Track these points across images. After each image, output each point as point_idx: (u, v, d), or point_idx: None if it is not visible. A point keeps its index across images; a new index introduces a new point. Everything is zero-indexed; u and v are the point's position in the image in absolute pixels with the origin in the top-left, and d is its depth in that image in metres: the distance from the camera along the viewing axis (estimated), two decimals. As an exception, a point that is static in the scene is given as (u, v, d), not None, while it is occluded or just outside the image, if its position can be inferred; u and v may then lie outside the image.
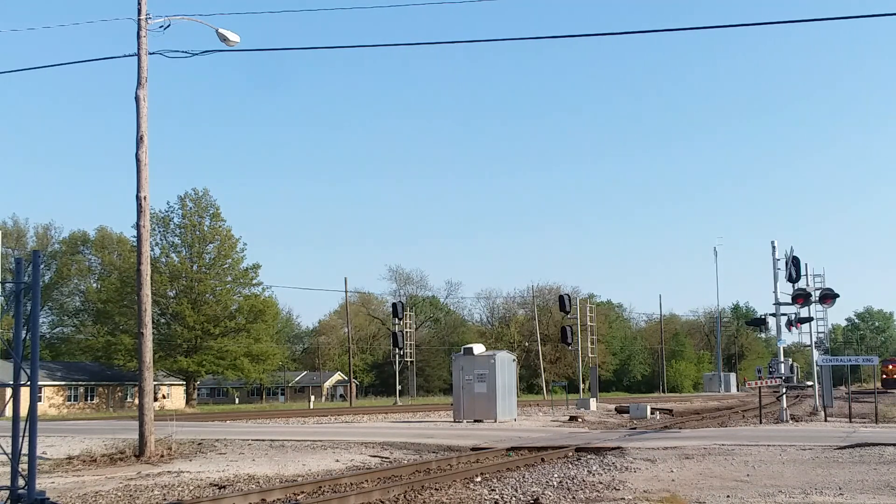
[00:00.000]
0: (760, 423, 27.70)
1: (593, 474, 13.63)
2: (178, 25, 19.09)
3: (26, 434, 9.92)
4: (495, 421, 29.17)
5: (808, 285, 29.99)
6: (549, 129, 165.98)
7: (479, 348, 31.61)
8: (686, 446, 17.63)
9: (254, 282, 76.32)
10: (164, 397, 75.38)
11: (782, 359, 28.56)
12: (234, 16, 53.64)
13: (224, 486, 13.10)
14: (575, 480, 12.91)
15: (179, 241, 74.05)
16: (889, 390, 58.09)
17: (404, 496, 11.63)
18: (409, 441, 20.22)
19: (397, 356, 62.86)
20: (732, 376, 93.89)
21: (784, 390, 29.33)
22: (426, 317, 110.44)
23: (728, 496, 11.05)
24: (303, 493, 12.12)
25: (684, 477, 13.18)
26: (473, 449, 18.20)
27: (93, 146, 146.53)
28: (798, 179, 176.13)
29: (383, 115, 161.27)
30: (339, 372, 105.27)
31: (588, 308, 56.16)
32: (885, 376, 65.47)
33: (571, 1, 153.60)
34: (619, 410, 39.96)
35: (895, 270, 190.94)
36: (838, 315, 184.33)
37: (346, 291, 78.50)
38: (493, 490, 12.09)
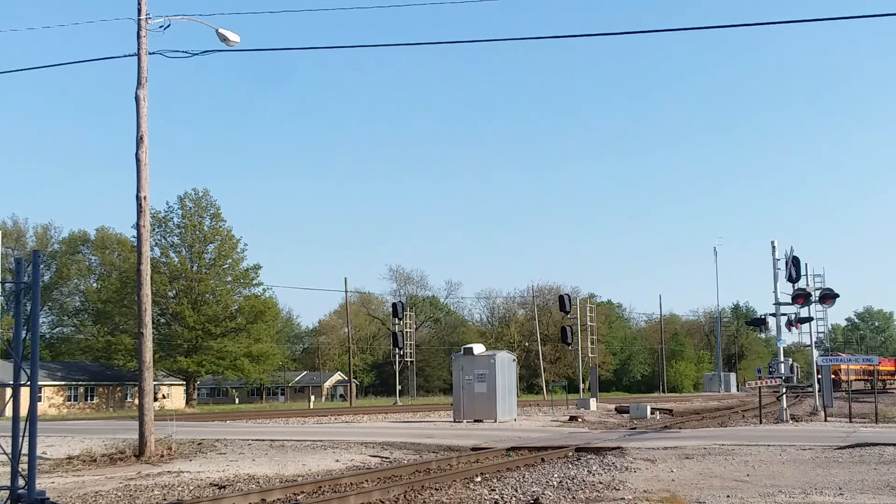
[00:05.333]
0: (760, 423, 27.69)
1: (593, 474, 13.62)
2: (178, 25, 19.11)
3: (26, 434, 9.91)
4: (495, 421, 29.15)
5: (808, 285, 29.96)
6: (549, 128, 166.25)
7: (479, 348, 31.58)
8: (686, 446, 17.62)
9: (254, 282, 76.42)
10: (164, 397, 75.37)
11: (782, 359, 28.55)
12: (234, 16, 53.70)
13: (224, 486, 13.10)
14: (575, 480, 12.91)
15: (179, 241, 74.11)
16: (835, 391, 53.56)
17: (404, 496, 11.62)
18: (409, 441, 20.21)
19: (397, 356, 62.85)
20: (732, 376, 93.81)
21: (784, 390, 29.33)
22: (426, 317, 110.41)
23: (728, 496, 11.05)
24: (303, 493, 12.11)
25: (684, 477, 13.17)
26: (473, 449, 18.19)
27: (93, 146, 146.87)
28: (798, 179, 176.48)
29: (383, 115, 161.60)
30: (339, 372, 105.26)
31: (588, 308, 56.16)
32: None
33: (571, 1, 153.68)
34: (619, 410, 39.94)
35: (895, 270, 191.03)
36: (838, 315, 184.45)
37: (346, 291, 78.60)
38: (493, 490, 12.08)
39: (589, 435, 22.68)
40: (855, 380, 58.04)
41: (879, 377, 63.72)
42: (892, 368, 73.55)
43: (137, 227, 19.06)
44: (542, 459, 16.04)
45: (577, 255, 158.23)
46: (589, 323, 54.27)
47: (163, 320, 72.90)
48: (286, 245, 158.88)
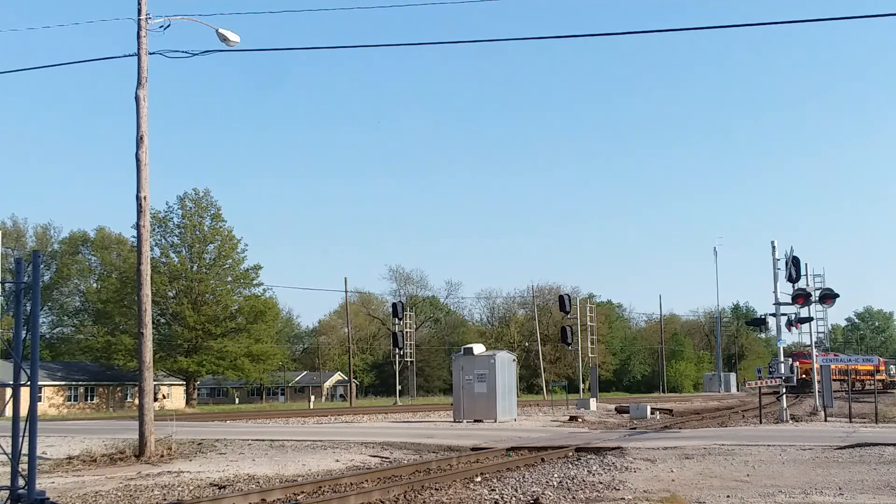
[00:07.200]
0: (760, 423, 27.69)
1: (593, 474, 13.62)
2: (178, 25, 19.10)
3: (26, 434, 9.91)
4: (495, 421, 29.15)
5: (808, 285, 29.96)
6: (549, 129, 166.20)
7: (479, 348, 31.58)
8: (686, 446, 17.62)
9: (254, 282, 76.43)
10: (164, 397, 75.37)
11: (782, 359, 28.55)
12: (234, 16, 53.61)
13: (224, 486, 13.10)
14: (575, 480, 12.91)
15: (179, 241, 74.12)
16: (807, 391, 46.27)
17: (404, 496, 11.62)
18: (409, 441, 20.20)
19: (397, 356, 62.89)
20: (732, 376, 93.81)
21: (784, 390, 29.33)
22: (426, 317, 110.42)
23: (728, 496, 11.05)
24: (303, 493, 12.11)
25: (684, 477, 13.17)
26: (473, 449, 18.19)
27: (93, 146, 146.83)
28: (798, 179, 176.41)
29: (383, 116, 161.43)
30: (339, 372, 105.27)
31: (588, 308, 56.18)
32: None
33: (571, 1, 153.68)
34: (619, 410, 39.94)
35: (895, 270, 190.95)
36: (838, 315, 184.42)
37: (346, 291, 78.55)
38: (493, 490, 12.08)
39: (589, 435, 22.67)
40: (833, 379, 57.42)
41: (858, 377, 63.19)
42: (872, 368, 73.27)
43: (137, 227, 19.06)
44: (542, 459, 16.04)
45: (577, 255, 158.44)
46: (589, 323, 54.28)
47: (163, 320, 72.91)
48: (286, 245, 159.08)
